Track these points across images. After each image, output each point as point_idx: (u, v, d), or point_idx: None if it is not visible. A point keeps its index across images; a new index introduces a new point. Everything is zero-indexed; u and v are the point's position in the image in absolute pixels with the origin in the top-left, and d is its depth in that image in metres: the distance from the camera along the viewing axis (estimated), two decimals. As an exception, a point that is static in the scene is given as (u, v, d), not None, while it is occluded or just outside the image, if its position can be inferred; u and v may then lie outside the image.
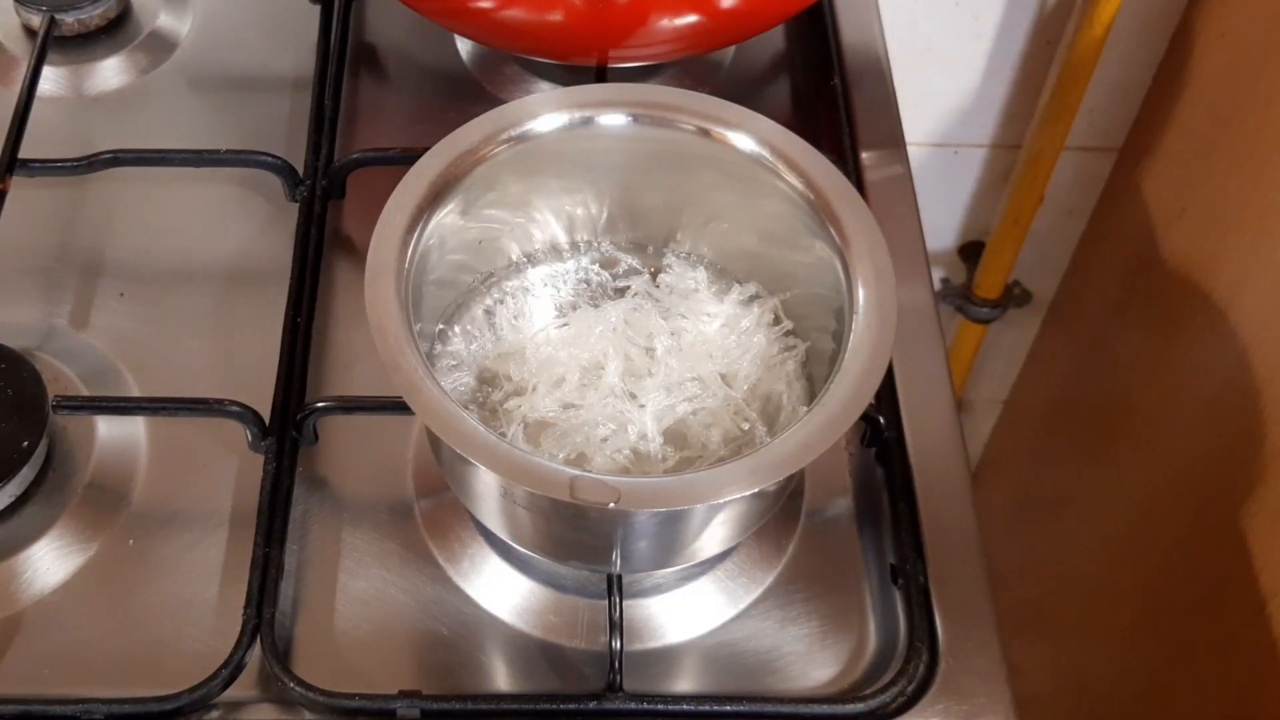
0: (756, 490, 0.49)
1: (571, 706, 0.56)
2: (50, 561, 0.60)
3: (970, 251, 1.15)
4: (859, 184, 0.73)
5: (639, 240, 0.63)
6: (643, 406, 0.57)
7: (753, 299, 0.61)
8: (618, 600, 0.57)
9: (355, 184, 0.73)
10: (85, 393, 0.65)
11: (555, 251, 0.63)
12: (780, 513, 0.61)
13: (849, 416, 0.50)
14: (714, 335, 0.60)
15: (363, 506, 0.62)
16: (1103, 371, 0.99)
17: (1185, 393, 0.83)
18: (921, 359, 0.67)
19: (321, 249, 0.70)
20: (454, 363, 0.59)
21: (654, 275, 0.62)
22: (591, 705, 0.55)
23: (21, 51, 0.79)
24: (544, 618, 0.59)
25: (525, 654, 0.59)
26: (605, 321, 0.59)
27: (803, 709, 0.56)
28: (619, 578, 0.57)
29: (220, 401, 0.62)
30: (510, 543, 0.57)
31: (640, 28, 0.69)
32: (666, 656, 0.59)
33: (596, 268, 0.63)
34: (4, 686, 0.57)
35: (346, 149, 0.75)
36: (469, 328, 0.60)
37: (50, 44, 0.77)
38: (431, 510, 0.62)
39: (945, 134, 1.07)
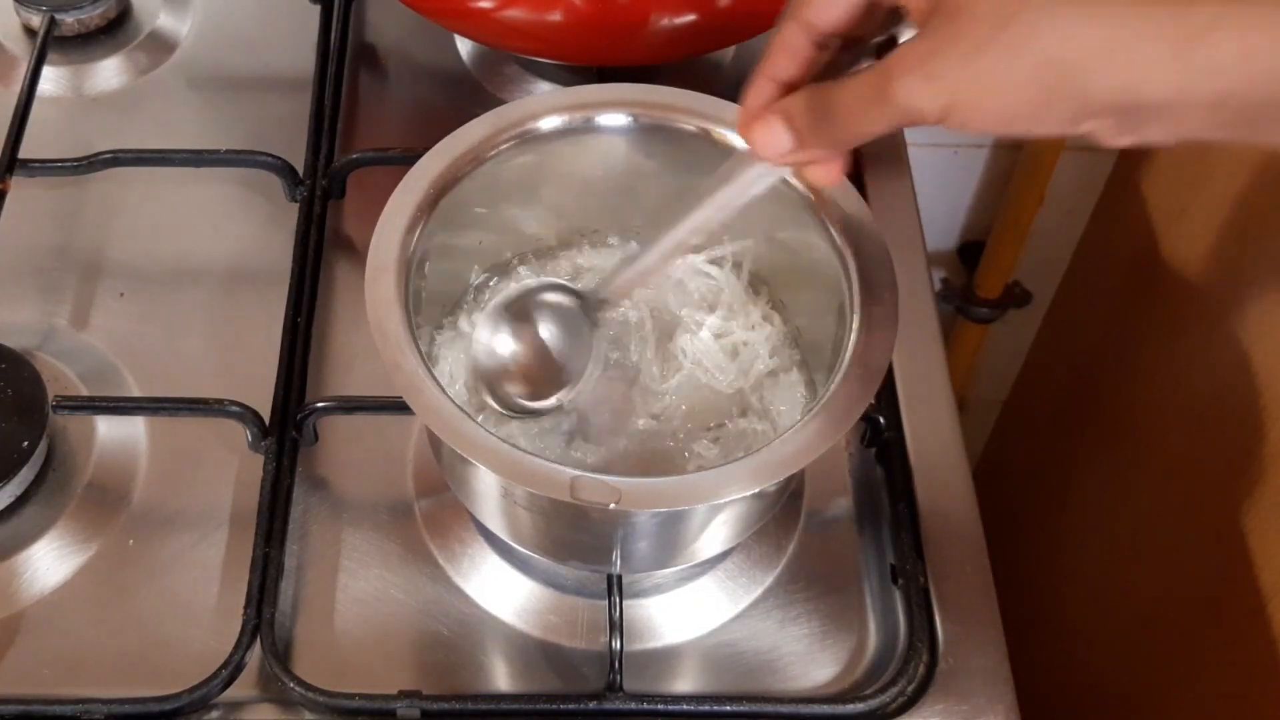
0: (756, 490, 0.49)
1: (571, 706, 0.56)
2: (50, 561, 0.60)
3: (970, 251, 1.15)
4: (859, 184, 0.73)
5: (639, 240, 0.63)
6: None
7: (752, 298, 0.61)
8: (618, 600, 0.57)
9: (355, 184, 0.72)
10: (85, 393, 0.65)
11: (555, 251, 0.63)
12: (780, 513, 0.61)
13: (849, 416, 0.50)
14: (713, 335, 0.60)
15: (363, 506, 0.62)
16: (1103, 371, 0.99)
17: (1185, 393, 0.83)
18: (921, 359, 0.67)
19: (321, 249, 0.70)
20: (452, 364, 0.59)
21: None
22: (591, 705, 0.55)
23: (21, 51, 0.79)
24: (544, 618, 0.59)
25: (525, 654, 0.59)
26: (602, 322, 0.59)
27: (803, 709, 0.56)
28: (619, 578, 0.57)
29: (220, 401, 0.62)
30: (510, 543, 0.57)
31: (640, 28, 0.69)
32: (666, 656, 0.59)
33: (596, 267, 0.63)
34: (4, 686, 0.57)
35: (346, 149, 0.75)
36: (468, 328, 0.60)
37: (50, 44, 0.77)
38: (431, 510, 0.62)
39: (945, 134, 1.07)
